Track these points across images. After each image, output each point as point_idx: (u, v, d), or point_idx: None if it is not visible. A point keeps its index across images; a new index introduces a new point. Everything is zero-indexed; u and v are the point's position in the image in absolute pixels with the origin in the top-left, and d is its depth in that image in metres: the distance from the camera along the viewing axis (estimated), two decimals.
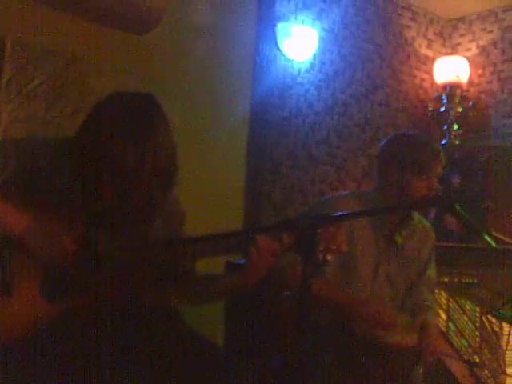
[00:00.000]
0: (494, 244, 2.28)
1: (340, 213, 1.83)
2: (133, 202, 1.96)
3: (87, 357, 1.88)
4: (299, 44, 4.26)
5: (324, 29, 4.47)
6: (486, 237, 2.33)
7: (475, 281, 3.56)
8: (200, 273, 2.18)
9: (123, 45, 3.44)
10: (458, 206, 2.14)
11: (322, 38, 4.43)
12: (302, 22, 4.34)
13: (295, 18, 4.32)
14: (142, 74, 3.47)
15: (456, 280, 3.54)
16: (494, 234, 2.37)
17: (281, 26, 4.22)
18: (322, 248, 1.95)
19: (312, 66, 4.40)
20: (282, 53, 4.23)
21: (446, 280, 3.52)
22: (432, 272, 2.81)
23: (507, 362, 3.25)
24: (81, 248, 1.85)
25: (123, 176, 1.91)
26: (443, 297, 3.48)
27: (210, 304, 2.32)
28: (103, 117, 1.95)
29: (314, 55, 4.39)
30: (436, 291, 3.19)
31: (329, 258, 1.99)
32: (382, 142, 2.76)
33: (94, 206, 1.95)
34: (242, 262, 2.07)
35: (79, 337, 1.89)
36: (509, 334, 2.95)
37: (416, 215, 2.75)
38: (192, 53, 3.73)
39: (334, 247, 1.97)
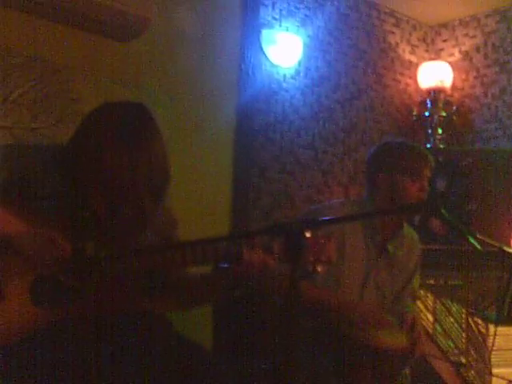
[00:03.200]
0: (479, 246, 2.31)
1: (328, 217, 1.85)
2: (124, 212, 1.97)
3: (75, 363, 1.88)
4: (284, 50, 4.29)
5: (308, 35, 4.50)
6: (472, 240, 2.35)
7: (461, 283, 3.58)
8: (188, 275, 2.19)
9: (109, 52, 3.44)
10: (443, 210, 2.16)
11: (306, 45, 4.45)
12: (287, 29, 4.37)
13: (280, 25, 4.35)
14: (128, 82, 3.47)
15: (442, 282, 3.57)
16: (478, 236, 2.39)
17: (265, 33, 4.24)
18: (312, 259, 1.97)
19: (297, 72, 4.42)
20: (267, 59, 4.25)
21: (433, 282, 3.54)
22: (416, 282, 2.85)
23: (493, 363, 3.28)
24: (70, 256, 1.85)
25: (115, 186, 1.92)
26: (430, 299, 3.51)
27: (198, 308, 2.33)
28: (96, 127, 1.96)
29: (299, 61, 4.41)
30: (423, 293, 3.23)
31: (319, 269, 2.01)
32: (372, 149, 2.80)
33: (84, 214, 1.95)
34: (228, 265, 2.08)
35: (67, 343, 1.89)
36: (494, 335, 2.98)
37: (405, 225, 2.79)
38: (177, 60, 3.74)
39: (324, 258, 1.99)
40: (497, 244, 2.74)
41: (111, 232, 1.99)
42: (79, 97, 3.31)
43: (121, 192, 1.93)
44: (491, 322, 3.22)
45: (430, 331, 3.27)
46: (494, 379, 3.23)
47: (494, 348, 3.15)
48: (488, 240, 2.79)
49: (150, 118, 2.03)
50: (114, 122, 1.95)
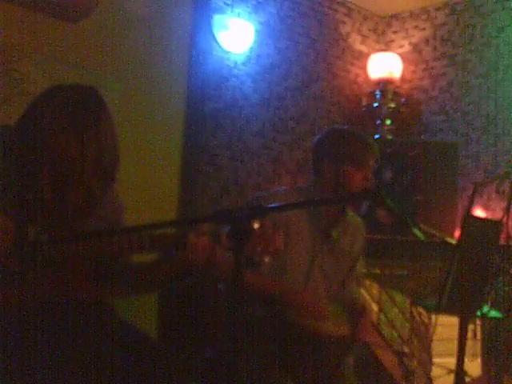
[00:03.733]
0: (422, 237, 2.34)
1: (274, 204, 1.84)
2: (72, 196, 1.94)
3: (18, 350, 1.85)
4: (235, 36, 4.27)
5: (260, 22, 4.49)
6: (415, 230, 2.38)
7: (405, 273, 3.64)
8: (134, 262, 2.17)
9: (56, 33, 3.37)
10: (388, 200, 2.18)
11: (258, 31, 4.44)
12: (238, 15, 4.35)
13: (231, 11, 4.32)
14: (76, 63, 3.41)
15: (387, 272, 3.62)
16: (423, 227, 2.43)
17: (217, 18, 4.21)
18: (259, 249, 1.97)
19: (248, 58, 4.41)
20: (218, 45, 4.22)
21: (378, 272, 3.59)
22: (361, 267, 2.87)
23: (435, 352, 3.34)
24: (13, 239, 1.81)
25: (63, 169, 1.90)
26: (375, 288, 3.55)
27: (144, 295, 2.31)
28: (45, 109, 1.93)
29: (251, 48, 4.40)
30: (368, 283, 3.27)
31: (266, 259, 2.01)
32: (317, 136, 2.80)
33: (31, 197, 1.91)
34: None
35: (10, 328, 1.85)
36: (435, 325, 3.03)
37: (349, 211, 2.80)
38: (127, 42, 3.69)
39: (272, 249, 2.00)
40: (439, 234, 2.79)
41: (57, 216, 1.96)
42: (25, 77, 3.24)
43: (68, 175, 1.92)
44: (430, 311, 3.28)
45: (375, 321, 3.31)
46: (434, 368, 3.29)
47: (436, 338, 3.22)
48: (431, 231, 2.84)
49: (100, 101, 2.01)
50: (64, 104, 1.94)
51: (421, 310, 3.38)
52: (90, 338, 1.97)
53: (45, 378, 1.86)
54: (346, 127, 3.24)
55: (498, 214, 3.95)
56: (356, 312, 2.65)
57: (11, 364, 1.83)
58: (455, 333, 2.38)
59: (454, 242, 2.92)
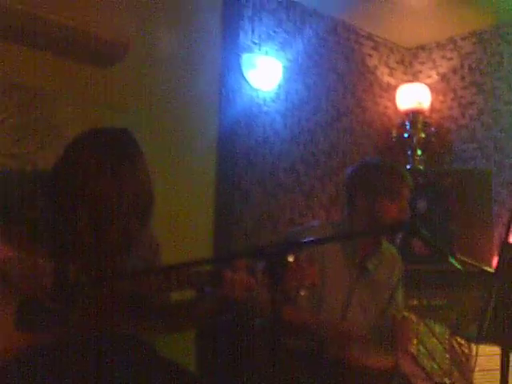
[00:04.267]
0: (459, 266, 2.32)
1: (308, 239, 1.86)
2: (110, 237, 1.98)
3: None
4: (264, 74, 4.32)
5: (288, 59, 4.54)
6: (452, 260, 2.37)
7: (444, 303, 3.60)
8: (172, 300, 2.19)
9: (90, 77, 3.45)
10: (423, 231, 2.17)
11: (286, 68, 4.50)
12: (266, 53, 4.41)
13: (259, 49, 4.39)
14: (110, 106, 3.48)
15: (425, 303, 3.58)
16: (459, 257, 2.41)
17: (245, 57, 4.28)
18: (295, 284, 1.98)
19: (277, 95, 4.45)
20: (247, 83, 4.28)
21: (415, 303, 3.56)
22: (400, 297, 2.85)
23: (476, 382, 3.28)
24: (54, 280, 1.85)
25: (101, 211, 1.94)
26: (413, 320, 3.51)
27: (182, 332, 2.32)
28: (81, 152, 1.98)
29: (279, 85, 4.45)
30: (406, 314, 3.23)
31: (302, 293, 2.02)
32: (350, 169, 2.80)
33: (70, 238, 1.95)
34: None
35: (52, 368, 1.88)
36: (476, 355, 2.98)
37: (384, 242, 2.80)
38: (158, 83, 3.76)
39: (307, 283, 2.01)
40: (477, 264, 2.76)
41: (96, 256, 1.99)
42: (61, 122, 3.31)
43: (106, 217, 1.95)
44: (471, 341, 3.23)
45: (414, 352, 3.27)
46: None
47: (477, 368, 3.16)
48: (468, 260, 2.81)
49: (134, 142, 2.06)
50: (99, 147, 1.99)
51: (461, 340, 3.33)
52: (130, 376, 1.99)
53: None
54: (378, 159, 3.25)
55: None
56: (397, 325, 2.62)
57: None
58: (497, 363, 2.34)
59: (491, 270, 2.88)
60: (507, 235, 2.70)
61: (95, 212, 1.95)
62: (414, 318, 3.43)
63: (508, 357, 2.32)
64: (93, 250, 1.98)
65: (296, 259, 1.98)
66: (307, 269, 2.02)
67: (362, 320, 2.67)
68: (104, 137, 2.04)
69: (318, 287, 2.32)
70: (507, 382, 2.31)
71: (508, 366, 2.34)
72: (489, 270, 2.90)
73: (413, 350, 3.33)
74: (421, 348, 3.39)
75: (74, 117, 3.33)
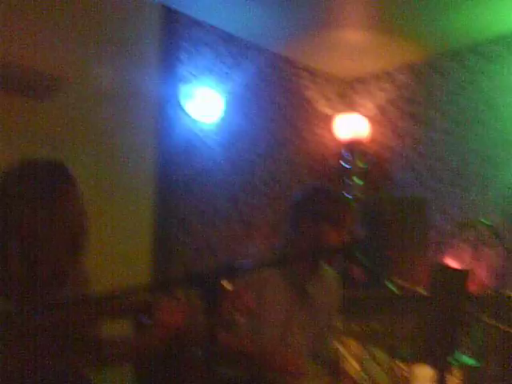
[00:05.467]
0: (395, 290, 2.36)
1: (243, 262, 1.86)
2: (41, 267, 1.95)
3: None
4: (203, 105, 4.35)
5: (228, 91, 4.59)
6: (389, 284, 2.41)
7: (382, 327, 3.63)
8: (107, 336, 2.16)
9: (24, 110, 3.42)
10: (360, 256, 2.21)
11: (226, 100, 4.54)
12: (205, 85, 4.45)
13: (197, 80, 4.42)
14: (46, 139, 3.45)
15: (365, 328, 3.61)
16: (396, 280, 2.46)
17: (184, 88, 4.30)
18: (231, 310, 1.98)
19: (217, 126, 4.49)
20: (186, 114, 4.30)
21: (356, 329, 3.58)
22: (338, 320, 2.88)
23: None
24: None
25: (31, 241, 1.91)
26: (354, 346, 3.53)
27: (119, 366, 2.29)
28: (13, 184, 1.96)
29: (219, 116, 4.49)
30: (345, 340, 3.25)
31: (241, 319, 2.02)
32: (296, 194, 2.82)
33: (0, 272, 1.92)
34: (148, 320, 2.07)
35: None
36: (417, 378, 3.02)
37: (324, 266, 2.82)
38: (95, 116, 3.75)
39: (244, 309, 2.01)
40: (412, 287, 2.81)
41: (27, 287, 1.96)
42: None
43: (37, 248, 1.93)
44: (403, 361, 3.27)
45: (356, 378, 3.29)
46: None
47: None
48: (405, 284, 2.86)
49: (67, 174, 2.05)
50: (31, 179, 1.96)
51: (400, 364, 3.37)
52: None
53: None
54: (324, 185, 3.28)
55: (468, 264, 4.00)
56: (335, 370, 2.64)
57: None
58: None
59: (426, 293, 2.94)
60: (438, 259, 2.77)
61: (25, 243, 1.92)
62: (354, 343, 3.46)
63: (443, 376, 2.36)
64: (23, 282, 1.95)
65: (231, 283, 1.98)
66: (242, 293, 2.02)
67: (302, 343, 2.68)
68: (35, 168, 2.02)
69: (256, 312, 2.32)
70: None
71: None
72: (423, 292, 2.95)
73: (354, 376, 3.34)
74: (362, 374, 3.41)
75: (7, 150, 3.28)
